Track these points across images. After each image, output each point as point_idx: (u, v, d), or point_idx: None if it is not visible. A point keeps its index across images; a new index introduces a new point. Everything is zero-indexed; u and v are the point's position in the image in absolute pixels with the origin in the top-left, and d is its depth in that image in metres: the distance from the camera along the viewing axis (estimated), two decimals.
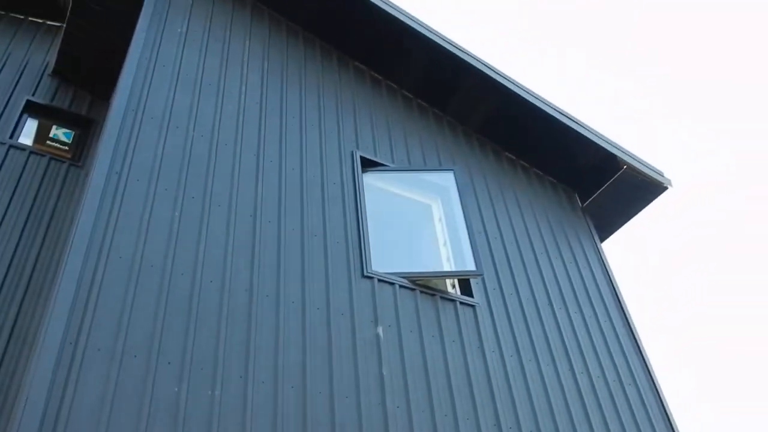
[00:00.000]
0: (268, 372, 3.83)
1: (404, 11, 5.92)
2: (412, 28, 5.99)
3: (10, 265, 5.29)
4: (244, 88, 5.30)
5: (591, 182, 6.88)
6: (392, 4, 5.86)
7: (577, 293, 5.83)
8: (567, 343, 5.32)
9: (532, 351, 5.10)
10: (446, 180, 5.63)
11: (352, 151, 5.50)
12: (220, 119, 4.93)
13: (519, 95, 6.26)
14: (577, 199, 7.03)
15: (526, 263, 5.79)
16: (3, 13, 7.19)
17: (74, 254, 3.65)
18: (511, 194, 6.38)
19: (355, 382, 4.10)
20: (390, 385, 4.21)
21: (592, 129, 6.72)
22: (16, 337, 4.93)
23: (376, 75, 6.42)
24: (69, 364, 3.27)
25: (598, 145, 6.72)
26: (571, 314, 5.60)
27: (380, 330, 4.48)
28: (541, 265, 5.87)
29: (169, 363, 3.56)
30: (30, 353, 4.18)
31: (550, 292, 5.69)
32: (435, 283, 5.08)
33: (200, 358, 3.67)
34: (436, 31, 6.00)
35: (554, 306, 5.58)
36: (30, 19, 7.32)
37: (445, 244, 5.41)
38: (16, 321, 5.03)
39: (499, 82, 6.22)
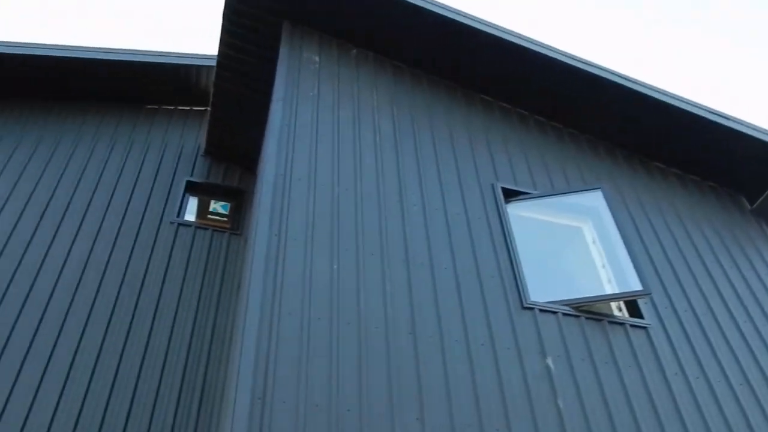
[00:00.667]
0: (443, 415, 3.80)
1: (523, 36, 5.89)
2: (534, 51, 5.92)
3: (192, 331, 5.75)
4: (378, 138, 5.47)
5: (756, 180, 6.32)
6: (508, 30, 5.85)
7: (762, 303, 5.31)
8: (760, 359, 4.83)
9: (720, 371, 4.68)
10: (594, 200, 5.41)
11: (492, 184, 5.46)
12: (360, 171, 5.11)
13: (661, 101, 5.94)
14: (744, 201, 6.47)
15: (697, 277, 5.38)
16: (157, 107, 8.01)
17: (251, 315, 3.88)
18: (668, 206, 6.00)
19: (532, 416, 3.97)
20: (569, 417, 4.03)
21: (744, 121, 6.21)
22: (207, 396, 5.31)
23: (504, 104, 6.38)
24: (260, 418, 3.44)
25: (755, 138, 6.18)
26: (759, 326, 5.10)
27: (550, 361, 4.32)
28: (714, 277, 5.43)
29: (348, 410, 3.65)
30: (221, 411, 4.47)
31: (729, 304, 5.23)
32: (599, 307, 4.86)
33: (376, 403, 3.73)
34: (559, 50, 5.90)
35: (737, 319, 5.11)
36: (179, 108, 8.10)
37: (603, 266, 5.17)
38: (204, 380, 5.43)
39: (636, 91, 5.94)
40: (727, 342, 4.93)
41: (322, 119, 5.41)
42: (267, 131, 5.68)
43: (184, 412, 5.25)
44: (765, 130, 6.22)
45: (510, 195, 5.44)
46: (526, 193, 5.49)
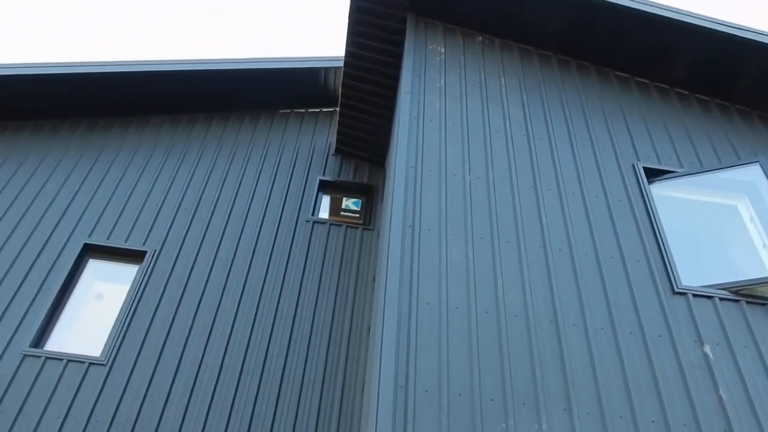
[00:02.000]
0: (592, 406, 3.64)
1: (657, 3, 5.50)
2: (675, 20, 5.52)
3: (332, 324, 5.95)
4: (508, 124, 5.36)
5: None
6: (648, 1, 5.49)
7: None
8: None
9: None
10: (751, 174, 4.95)
11: (633, 164, 5.16)
12: (492, 158, 5.03)
13: None
14: None
15: None
16: (289, 111, 8.37)
17: (389, 306, 3.94)
18: None
19: (691, 408, 3.70)
20: (733, 409, 3.71)
21: None
22: (348, 386, 5.46)
23: (641, 80, 6.02)
24: (404, 407, 3.48)
25: None
26: None
27: (707, 349, 4.01)
28: None
29: (492, 400, 3.59)
30: (364, 399, 4.58)
31: None
32: (762, 291, 4.43)
33: (520, 393, 3.65)
34: (702, 15, 5.45)
35: None
36: (309, 110, 8.41)
37: (765, 246, 4.72)
38: (345, 372, 5.59)
39: None
40: None
41: (450, 109, 5.38)
42: (396, 125, 5.74)
43: (328, 401, 5.43)
44: None
45: (653, 175, 5.11)
46: (672, 172, 5.14)
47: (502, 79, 5.77)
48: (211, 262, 6.42)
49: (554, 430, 3.50)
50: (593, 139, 5.35)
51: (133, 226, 6.70)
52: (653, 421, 3.61)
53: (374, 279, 6.22)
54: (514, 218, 4.62)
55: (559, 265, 4.36)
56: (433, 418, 3.48)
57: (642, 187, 4.96)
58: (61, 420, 5.11)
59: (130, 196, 7.00)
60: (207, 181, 7.28)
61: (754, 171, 4.97)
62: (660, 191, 4.98)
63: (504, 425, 3.49)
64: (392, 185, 4.88)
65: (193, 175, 7.35)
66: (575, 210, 4.75)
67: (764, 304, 4.30)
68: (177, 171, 7.39)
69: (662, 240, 4.58)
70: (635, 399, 3.69)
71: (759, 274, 4.59)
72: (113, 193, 7.02)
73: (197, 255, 6.48)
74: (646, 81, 6.03)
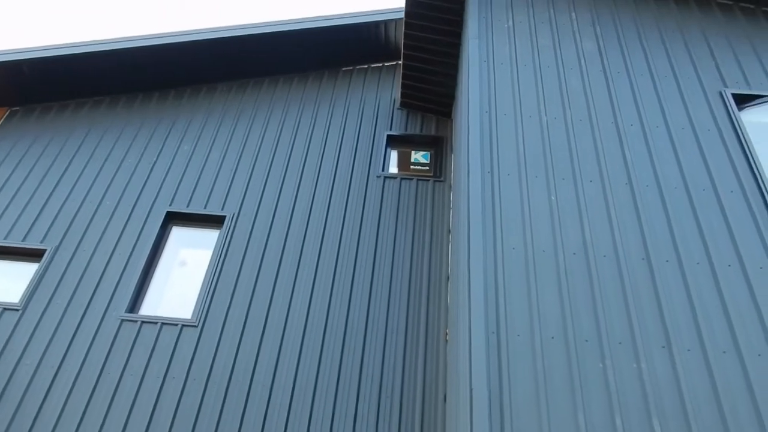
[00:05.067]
0: (692, 340, 3.54)
1: None
2: None
3: (410, 276, 5.97)
4: (582, 60, 5.14)
5: None
6: None
7: None
8: None
9: None
10: None
11: (720, 91, 4.88)
12: (567, 97, 4.86)
13: None
14: None
15: None
16: (351, 68, 8.30)
17: (475, 251, 3.91)
18: None
19: None
20: None
21: None
22: (431, 341, 5.50)
23: (724, 1, 5.64)
24: (497, 352, 3.48)
25: None
26: None
27: None
28: None
29: (586, 341, 3.54)
30: (451, 347, 4.60)
31: None
32: None
33: (615, 332, 3.58)
34: None
35: None
36: (372, 66, 8.32)
37: None
38: (427, 323, 5.63)
39: None
40: None
41: (521, 49, 5.20)
42: (464, 71, 5.60)
43: (412, 348, 5.49)
44: None
45: (743, 100, 4.82)
46: (763, 96, 4.83)
47: (573, 14, 5.52)
48: (288, 222, 6.52)
49: (654, 369, 3.42)
50: (675, 68, 5.08)
51: (211, 192, 6.86)
52: (759, 355, 3.48)
53: (449, 230, 6.18)
54: (596, 156, 4.47)
55: (647, 201, 4.21)
56: (528, 361, 3.46)
57: (731, 114, 4.70)
58: (161, 380, 5.37)
59: (204, 163, 7.16)
60: (277, 144, 7.36)
61: None
62: (752, 117, 4.71)
63: (601, 365, 3.44)
64: (466, 132, 4.79)
65: (263, 138, 7.44)
66: (661, 143, 4.55)
67: None
68: (247, 135, 7.49)
69: (758, 169, 4.34)
70: (739, 333, 3.56)
71: None
72: (189, 161, 7.20)
73: (274, 216, 6.59)
74: (730, 2, 5.65)
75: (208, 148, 7.35)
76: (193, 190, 6.88)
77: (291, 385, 5.30)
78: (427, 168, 7.32)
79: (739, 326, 3.59)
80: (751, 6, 5.61)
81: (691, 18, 5.55)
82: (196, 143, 7.42)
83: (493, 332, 3.57)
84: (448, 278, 5.78)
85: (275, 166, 7.11)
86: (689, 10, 5.62)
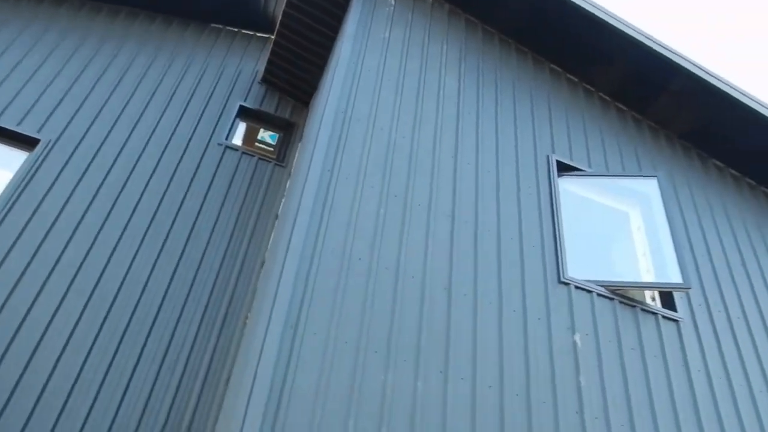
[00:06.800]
0: (467, 370, 3.87)
1: (606, 10, 5.71)
2: (616, 28, 5.76)
3: (225, 255, 5.84)
4: (442, 92, 5.42)
5: None
6: (594, 2, 5.67)
7: None
8: None
9: (743, 375, 4.67)
10: (648, 187, 5.33)
11: (548, 155, 5.40)
12: (420, 122, 5.08)
13: (738, 100, 5.76)
14: None
15: (737, 280, 5.32)
16: (220, 27, 7.99)
17: (294, 247, 3.94)
18: (719, 204, 5.90)
19: (552, 387, 4.01)
20: (588, 395, 4.07)
21: None
22: (229, 320, 5.42)
23: (572, 77, 6.26)
24: (290, 345, 3.53)
25: None
26: None
27: (577, 338, 4.34)
28: (754, 283, 5.36)
29: (376, 352, 3.72)
30: (247, 331, 4.57)
31: (764, 312, 5.17)
32: (633, 294, 4.84)
33: (404, 349, 3.80)
34: (641, 30, 5.72)
35: None
36: (242, 31, 8.07)
37: (644, 254, 5.13)
38: (229, 306, 5.53)
39: (713, 85, 5.77)
40: (756, 349, 4.90)
41: (389, 64, 5.36)
42: (331, 68, 5.65)
43: (207, 327, 5.35)
44: None
45: (564, 169, 5.38)
46: (580, 170, 5.43)
47: (445, 45, 5.80)
48: (109, 167, 6.08)
49: (428, 389, 3.68)
50: (517, 123, 5.53)
51: (29, 110, 6.22)
52: (517, 395, 3.89)
53: (277, 216, 6.17)
54: (429, 183, 4.72)
55: (462, 236, 4.52)
56: (317, 359, 3.55)
57: (551, 178, 5.21)
58: None
59: (31, 77, 6.48)
60: (121, 79, 6.86)
61: (651, 184, 5.35)
62: (566, 185, 5.26)
63: (383, 377, 3.63)
64: (318, 125, 4.83)
65: (107, 69, 6.89)
66: (487, 187, 4.92)
67: (633, 306, 4.70)
68: (90, 60, 6.90)
69: (559, 231, 4.85)
70: (506, 373, 3.95)
71: (633, 278, 5.00)
72: (13, 69, 6.47)
73: (95, 155, 6.12)
74: (576, 79, 6.28)
75: (41, 62, 6.66)
76: (8, 104, 6.19)
77: (67, 337, 4.93)
78: (272, 150, 7.24)
79: (508, 366, 3.98)
80: (592, 89, 6.28)
81: (543, 82, 6.07)
82: (28, 54, 6.70)
83: (291, 326, 3.62)
84: (263, 263, 5.76)
85: (112, 102, 6.62)
86: (543, 74, 6.15)
